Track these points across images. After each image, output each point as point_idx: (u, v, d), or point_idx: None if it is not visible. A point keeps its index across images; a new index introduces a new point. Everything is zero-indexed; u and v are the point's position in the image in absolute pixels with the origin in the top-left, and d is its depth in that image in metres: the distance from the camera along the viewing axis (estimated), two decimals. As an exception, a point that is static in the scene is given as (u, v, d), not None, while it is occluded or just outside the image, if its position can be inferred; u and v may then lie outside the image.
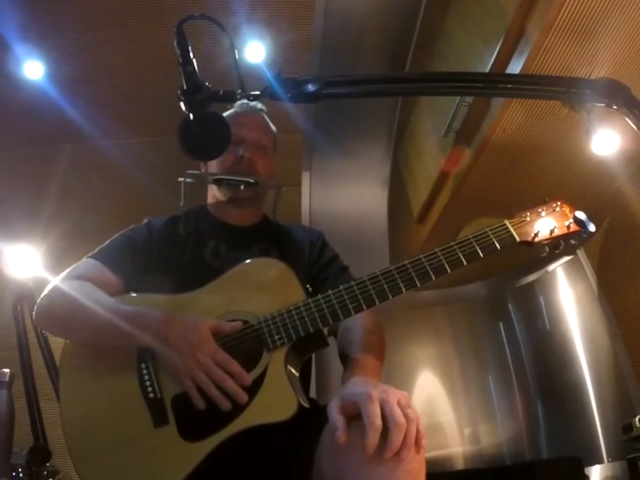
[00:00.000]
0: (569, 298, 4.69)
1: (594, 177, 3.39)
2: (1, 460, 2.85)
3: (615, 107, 1.53)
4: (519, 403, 4.92)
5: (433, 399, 5.02)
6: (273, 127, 2.59)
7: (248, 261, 2.05)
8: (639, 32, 2.60)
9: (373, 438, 1.34)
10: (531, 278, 5.05)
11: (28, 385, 3.44)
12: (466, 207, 3.88)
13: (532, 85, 1.74)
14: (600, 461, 4.12)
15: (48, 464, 3.51)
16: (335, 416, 1.42)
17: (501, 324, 5.24)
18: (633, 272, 3.87)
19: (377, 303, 1.81)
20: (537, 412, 4.83)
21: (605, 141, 1.84)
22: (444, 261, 1.83)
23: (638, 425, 3.18)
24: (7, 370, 2.96)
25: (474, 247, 1.85)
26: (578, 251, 4.43)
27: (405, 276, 1.82)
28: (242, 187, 2.31)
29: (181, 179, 2.37)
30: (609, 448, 4.16)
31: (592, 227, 1.91)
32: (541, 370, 4.89)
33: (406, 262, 1.84)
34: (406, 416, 1.37)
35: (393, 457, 1.34)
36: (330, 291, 1.85)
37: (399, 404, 1.39)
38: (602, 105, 1.56)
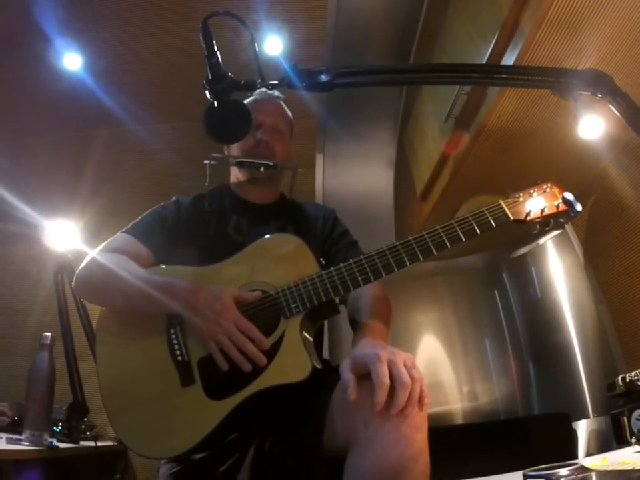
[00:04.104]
0: (558, 268, 4.69)
1: (581, 158, 3.38)
2: (42, 415, 2.88)
3: (599, 95, 1.52)
4: (512, 363, 4.94)
5: (435, 360, 5.03)
6: (289, 113, 2.59)
7: (267, 236, 2.05)
8: (622, 26, 2.59)
9: (381, 395, 1.35)
10: (523, 250, 5.05)
11: (67, 347, 3.48)
12: (464, 186, 3.87)
13: (524, 75, 1.74)
14: (586, 416, 4.13)
15: (85, 419, 3.56)
16: (347, 375, 1.44)
17: (496, 292, 5.25)
18: (615, 245, 3.87)
19: (384, 275, 1.81)
20: (529, 372, 4.85)
21: (591, 126, 1.83)
22: (444, 237, 1.83)
23: (620, 384, 3.18)
24: (48, 333, 2.98)
25: (472, 224, 1.85)
26: (566, 226, 4.42)
27: (409, 251, 1.81)
28: (261, 169, 2.31)
29: (206, 161, 2.37)
30: (595, 404, 4.17)
31: (579, 207, 1.91)
32: (532, 334, 4.91)
33: (410, 238, 1.84)
34: (411, 376, 1.38)
35: (398, 413, 1.36)
36: (341, 264, 1.85)
37: (404, 365, 1.41)
38: (588, 93, 1.55)
